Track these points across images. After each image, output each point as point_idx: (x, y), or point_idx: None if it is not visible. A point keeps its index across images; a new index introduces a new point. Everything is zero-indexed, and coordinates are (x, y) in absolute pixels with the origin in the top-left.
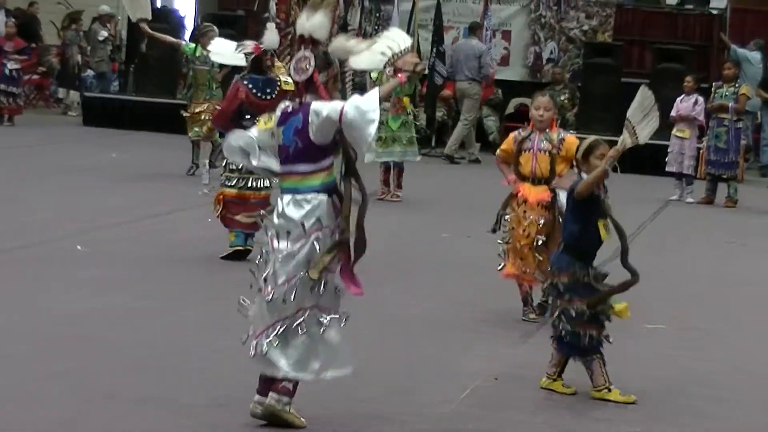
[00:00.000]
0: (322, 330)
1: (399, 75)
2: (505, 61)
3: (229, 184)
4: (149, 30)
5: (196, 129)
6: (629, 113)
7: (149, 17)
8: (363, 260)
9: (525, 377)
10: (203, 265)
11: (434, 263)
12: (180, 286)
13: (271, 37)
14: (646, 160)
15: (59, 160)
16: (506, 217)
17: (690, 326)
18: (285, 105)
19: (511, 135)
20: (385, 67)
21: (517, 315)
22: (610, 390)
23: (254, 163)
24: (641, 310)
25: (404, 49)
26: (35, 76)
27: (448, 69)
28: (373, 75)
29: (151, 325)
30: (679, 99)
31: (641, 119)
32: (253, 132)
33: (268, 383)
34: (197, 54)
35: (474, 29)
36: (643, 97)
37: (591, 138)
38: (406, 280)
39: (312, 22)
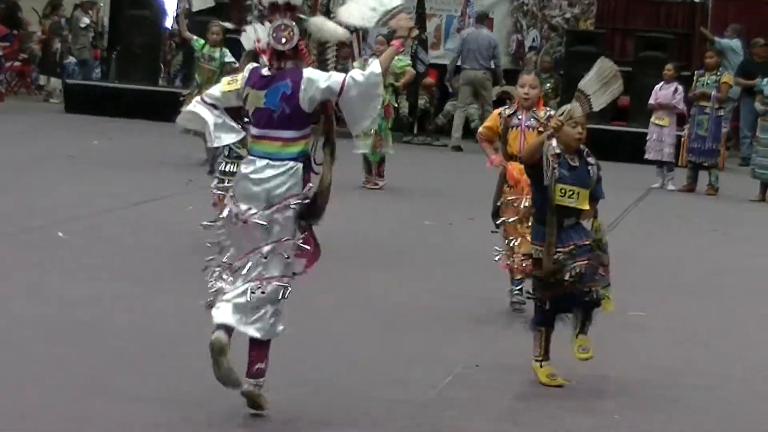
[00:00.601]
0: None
1: (394, 43)
2: None
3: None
4: (184, 22)
5: None
6: (582, 84)
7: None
8: (347, 249)
9: (507, 364)
10: (193, 251)
11: (417, 251)
12: (170, 273)
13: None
14: (627, 148)
15: (42, 148)
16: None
17: (672, 314)
18: (254, 67)
19: (495, 112)
20: (372, 56)
21: (499, 303)
22: (540, 366)
23: (209, 145)
24: (623, 297)
25: (396, 8)
26: (17, 63)
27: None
28: (356, 64)
29: (144, 312)
30: (658, 86)
31: (598, 88)
32: (216, 92)
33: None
34: (204, 51)
35: (483, 18)
36: (602, 68)
37: (567, 106)
38: (389, 267)
39: None
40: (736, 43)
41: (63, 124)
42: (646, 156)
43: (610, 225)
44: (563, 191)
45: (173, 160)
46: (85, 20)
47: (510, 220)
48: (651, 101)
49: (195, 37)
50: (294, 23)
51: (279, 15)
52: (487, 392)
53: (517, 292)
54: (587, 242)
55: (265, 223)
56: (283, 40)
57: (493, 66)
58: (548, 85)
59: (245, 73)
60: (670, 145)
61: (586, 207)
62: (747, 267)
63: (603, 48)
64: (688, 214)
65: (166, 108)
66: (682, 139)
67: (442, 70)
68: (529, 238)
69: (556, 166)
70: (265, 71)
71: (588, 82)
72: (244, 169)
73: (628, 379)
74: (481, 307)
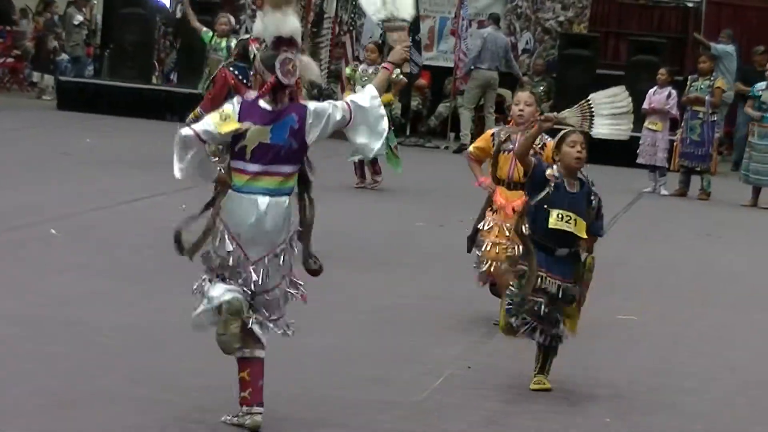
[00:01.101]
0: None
1: (386, 66)
2: None
3: None
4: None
5: None
6: (592, 96)
7: None
8: (338, 250)
9: (498, 366)
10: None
11: (408, 252)
12: (162, 271)
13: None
14: (620, 152)
15: (34, 145)
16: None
17: (663, 317)
18: (244, 100)
19: (489, 132)
20: (359, 62)
21: (490, 304)
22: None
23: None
24: (613, 301)
25: (402, 21)
26: (9, 60)
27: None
28: (348, 71)
29: (135, 310)
30: (651, 91)
31: (606, 113)
32: (212, 130)
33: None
34: (212, 43)
35: (498, 20)
36: (617, 94)
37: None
38: (380, 268)
39: (291, 26)
40: (731, 49)
41: (55, 121)
42: (639, 160)
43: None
44: (560, 216)
45: (166, 159)
46: (79, 17)
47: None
48: (645, 106)
49: (204, 29)
50: (296, 57)
51: (283, 48)
52: (477, 394)
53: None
54: (571, 284)
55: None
56: (289, 75)
57: (507, 70)
58: (541, 88)
59: (233, 107)
60: (663, 150)
61: (584, 235)
62: (738, 272)
63: (596, 52)
64: (680, 218)
65: (159, 106)
66: (675, 143)
67: (434, 72)
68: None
69: (552, 185)
70: (264, 105)
71: (599, 99)
72: (247, 212)
73: (618, 382)
74: (472, 309)
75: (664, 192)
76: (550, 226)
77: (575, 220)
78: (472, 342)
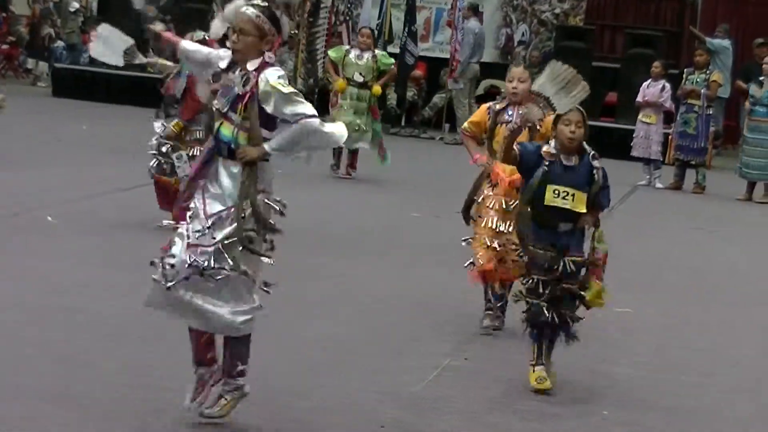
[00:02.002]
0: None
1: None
2: None
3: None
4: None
5: None
6: (535, 86)
7: None
8: (334, 240)
9: (494, 357)
10: None
11: (404, 244)
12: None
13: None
14: (615, 144)
15: (29, 131)
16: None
17: (658, 311)
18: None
19: (484, 106)
20: (361, 49)
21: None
22: (533, 370)
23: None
24: (609, 294)
25: None
26: (4, 46)
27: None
28: (333, 54)
29: (132, 298)
30: (645, 84)
31: (557, 90)
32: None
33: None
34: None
35: (477, 9)
36: (553, 71)
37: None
38: (377, 258)
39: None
40: (728, 43)
41: (50, 107)
42: (633, 153)
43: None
44: (556, 192)
45: None
46: (75, 4)
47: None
48: (639, 99)
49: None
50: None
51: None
52: (474, 386)
53: (489, 311)
54: (580, 258)
55: None
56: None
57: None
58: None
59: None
60: (658, 143)
61: (582, 209)
62: (733, 266)
63: (592, 44)
64: (675, 211)
65: (154, 94)
66: (669, 136)
67: (430, 63)
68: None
69: (547, 163)
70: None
71: (542, 85)
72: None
73: (616, 376)
74: (468, 300)
75: (659, 185)
76: (545, 202)
77: (573, 195)
78: (469, 333)
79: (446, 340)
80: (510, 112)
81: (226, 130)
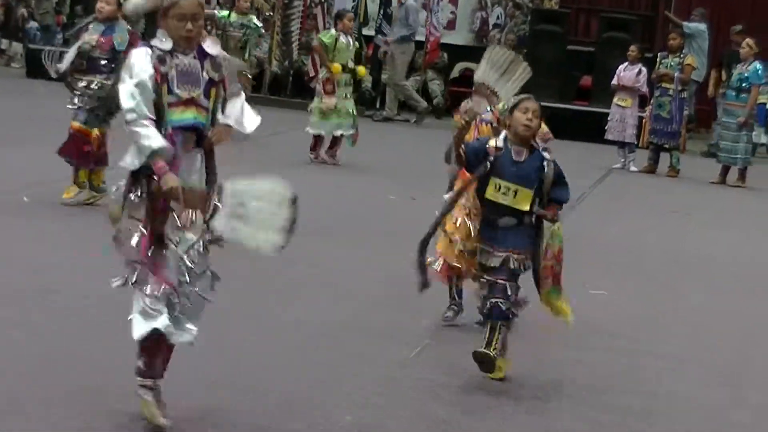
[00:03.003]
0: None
1: None
2: (451, 25)
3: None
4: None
5: None
6: (476, 77)
7: None
8: (312, 224)
9: (473, 339)
10: None
11: (381, 227)
12: None
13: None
14: (589, 128)
15: (4, 112)
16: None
17: (633, 293)
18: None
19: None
20: (345, 33)
21: None
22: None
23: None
24: (583, 276)
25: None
26: None
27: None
28: (326, 40)
29: (109, 280)
30: (621, 67)
31: (499, 77)
32: None
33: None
34: (231, 20)
35: None
36: (491, 58)
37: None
38: (354, 242)
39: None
40: (704, 27)
41: (24, 88)
42: (608, 136)
43: (571, 204)
44: (497, 186)
45: None
46: None
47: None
48: (614, 82)
49: (216, 10)
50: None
51: None
52: (452, 369)
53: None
54: (522, 256)
55: None
56: None
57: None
58: None
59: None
60: (632, 126)
61: (525, 208)
62: (706, 248)
63: (567, 28)
64: (649, 195)
65: None
66: (644, 120)
67: None
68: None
69: (491, 158)
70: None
71: (482, 74)
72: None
73: (591, 362)
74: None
75: (633, 168)
76: (486, 196)
77: (515, 191)
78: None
79: (423, 324)
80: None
81: (194, 116)
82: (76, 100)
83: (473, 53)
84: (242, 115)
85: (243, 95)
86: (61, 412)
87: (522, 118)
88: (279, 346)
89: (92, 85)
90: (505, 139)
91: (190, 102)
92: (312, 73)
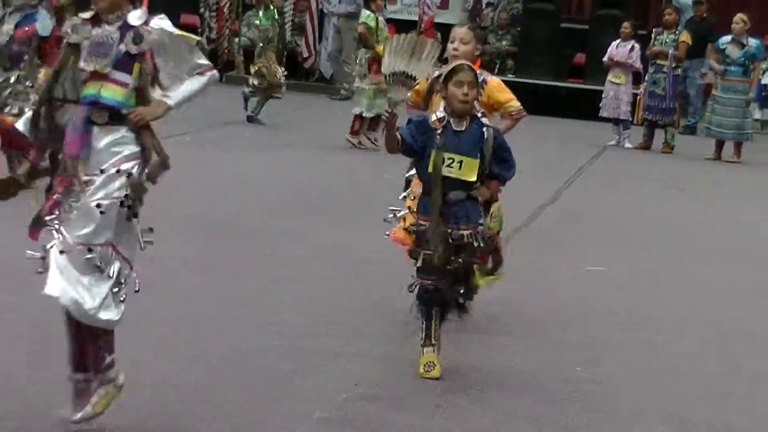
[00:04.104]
0: None
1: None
2: (444, 4)
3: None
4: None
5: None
6: (384, 68)
7: None
8: (307, 202)
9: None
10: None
11: (377, 205)
12: None
13: None
14: (584, 105)
15: None
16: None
17: (629, 268)
18: None
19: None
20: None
21: None
22: (423, 352)
23: None
24: (580, 253)
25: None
26: None
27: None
28: (370, 21)
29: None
30: (614, 44)
31: (408, 61)
32: None
33: None
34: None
35: None
36: (393, 46)
37: (458, 62)
38: (350, 222)
39: None
40: (691, 1)
41: None
42: (602, 113)
43: (567, 181)
44: (443, 159)
45: None
46: None
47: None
48: (605, 58)
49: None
50: None
51: None
52: (449, 343)
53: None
54: (469, 231)
55: None
56: None
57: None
58: (504, 42)
59: None
60: (627, 103)
61: (472, 178)
62: (701, 223)
63: (560, 5)
64: (644, 171)
65: None
66: (638, 97)
67: (398, 25)
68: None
69: (439, 131)
70: None
71: (388, 66)
72: None
73: (590, 335)
74: None
75: (628, 145)
76: (429, 170)
77: (460, 162)
78: None
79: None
80: None
81: (111, 93)
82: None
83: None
84: (189, 96)
85: (208, 77)
86: (59, 395)
87: (458, 93)
88: (280, 322)
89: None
90: (444, 109)
91: (95, 76)
92: (306, 54)
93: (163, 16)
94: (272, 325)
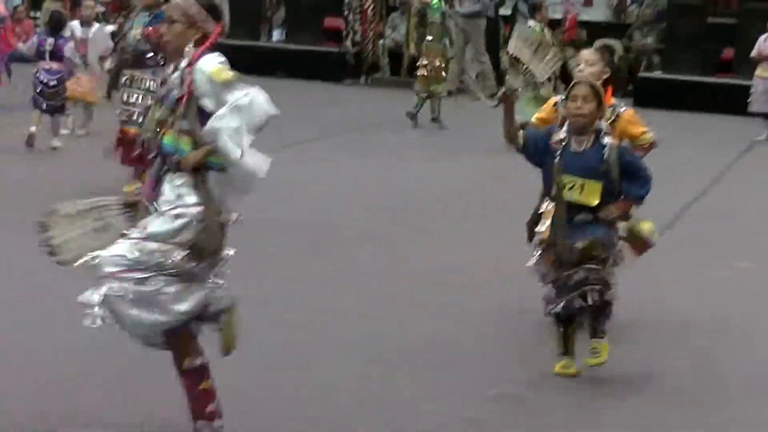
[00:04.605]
0: None
1: None
2: (589, 1)
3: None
4: None
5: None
6: (513, 49)
7: None
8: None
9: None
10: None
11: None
12: None
13: None
14: (732, 100)
15: None
16: None
17: None
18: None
19: (552, 101)
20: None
21: None
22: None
23: None
24: (728, 249)
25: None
26: None
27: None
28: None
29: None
30: (762, 37)
31: (532, 55)
32: None
33: None
34: (434, 6)
35: None
36: (521, 33)
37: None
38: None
39: None
40: None
41: None
42: (750, 108)
43: (715, 178)
44: (564, 182)
45: None
46: None
47: None
48: (753, 53)
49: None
50: None
51: None
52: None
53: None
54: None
55: None
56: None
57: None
58: (650, 39)
59: None
60: None
61: (593, 202)
62: None
63: (707, 0)
64: None
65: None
66: None
67: None
68: None
69: (559, 152)
70: None
71: (517, 48)
72: None
73: (738, 329)
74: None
75: None
76: (552, 194)
77: (582, 185)
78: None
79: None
80: None
81: (169, 139)
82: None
83: (612, 30)
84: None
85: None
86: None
87: (571, 108)
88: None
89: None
90: (568, 130)
91: (163, 125)
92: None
93: (214, 54)
94: (418, 327)
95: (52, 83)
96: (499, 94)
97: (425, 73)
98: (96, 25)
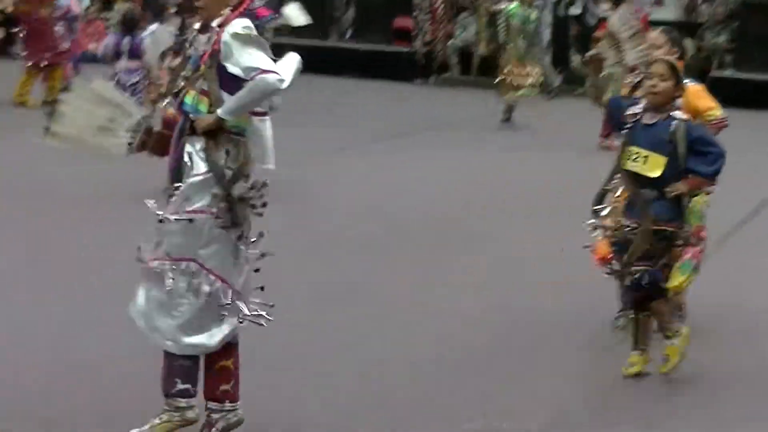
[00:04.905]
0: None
1: None
2: (659, 0)
3: None
4: None
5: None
6: (613, 26)
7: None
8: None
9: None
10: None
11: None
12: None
13: None
14: None
15: None
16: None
17: None
18: None
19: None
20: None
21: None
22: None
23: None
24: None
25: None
26: None
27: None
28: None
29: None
30: None
31: (628, 39)
32: None
33: None
34: (513, 12)
35: None
36: (623, 16)
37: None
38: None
39: None
40: None
41: None
42: None
43: None
44: (629, 154)
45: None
46: None
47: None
48: None
49: (505, 4)
50: None
51: None
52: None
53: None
54: (668, 229)
55: None
56: None
57: None
58: (721, 38)
59: None
60: None
61: (655, 173)
62: None
63: None
64: None
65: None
66: None
67: None
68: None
69: (629, 125)
70: None
71: (615, 26)
72: None
73: None
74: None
75: None
76: (621, 167)
77: (645, 157)
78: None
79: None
80: None
81: (188, 98)
82: None
83: (683, 29)
84: (235, 105)
85: (254, 82)
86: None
87: (647, 85)
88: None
89: None
90: (645, 106)
91: (186, 82)
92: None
93: (243, 19)
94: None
95: (132, 82)
96: (587, 56)
97: (508, 79)
98: (155, 25)
